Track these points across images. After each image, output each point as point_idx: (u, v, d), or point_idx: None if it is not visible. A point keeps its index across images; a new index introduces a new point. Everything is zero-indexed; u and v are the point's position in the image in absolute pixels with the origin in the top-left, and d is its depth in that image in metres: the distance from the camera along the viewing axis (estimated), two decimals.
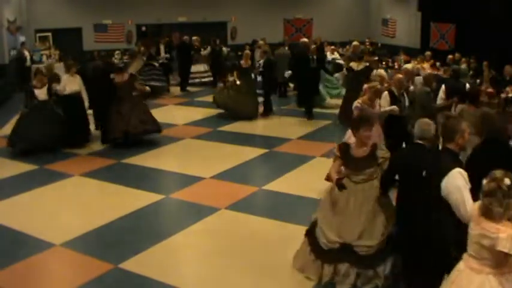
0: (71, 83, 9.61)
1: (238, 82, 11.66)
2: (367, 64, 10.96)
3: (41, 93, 9.36)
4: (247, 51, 12.86)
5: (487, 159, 4.17)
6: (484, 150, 4.58)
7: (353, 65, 11.10)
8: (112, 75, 9.99)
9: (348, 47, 14.81)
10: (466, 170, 3.77)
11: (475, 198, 3.54)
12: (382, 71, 9.39)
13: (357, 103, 7.17)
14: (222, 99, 11.92)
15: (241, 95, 11.68)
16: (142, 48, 14.81)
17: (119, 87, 9.88)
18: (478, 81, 11.42)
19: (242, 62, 12.12)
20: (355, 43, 12.42)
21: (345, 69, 12.03)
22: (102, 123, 10.08)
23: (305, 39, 13.46)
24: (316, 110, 12.43)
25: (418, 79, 9.25)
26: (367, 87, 7.40)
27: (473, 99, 7.07)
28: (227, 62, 16.48)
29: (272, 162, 8.89)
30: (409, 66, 8.50)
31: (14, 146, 9.29)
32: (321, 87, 12.59)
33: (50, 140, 9.29)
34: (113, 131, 9.63)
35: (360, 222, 4.66)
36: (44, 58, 16.10)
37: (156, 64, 14.88)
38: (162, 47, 15.17)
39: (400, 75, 7.86)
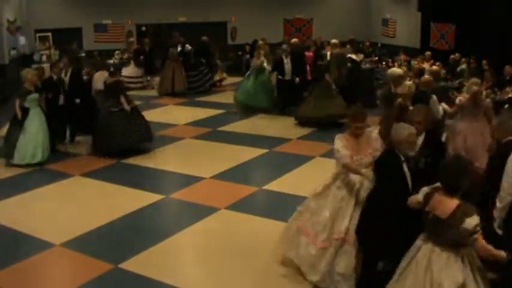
0: None
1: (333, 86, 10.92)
2: (363, 55, 13.29)
3: None
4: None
5: None
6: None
7: (354, 56, 12.45)
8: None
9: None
10: None
11: None
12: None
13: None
14: (310, 113, 10.83)
15: (332, 98, 10.85)
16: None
17: None
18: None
19: (320, 62, 11.74)
20: (333, 41, 13.03)
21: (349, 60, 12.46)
22: None
23: (295, 39, 13.95)
24: None
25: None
26: (477, 90, 6.95)
27: None
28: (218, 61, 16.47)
29: (272, 162, 8.89)
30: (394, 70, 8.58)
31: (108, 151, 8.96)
32: None
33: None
34: None
35: None
36: (44, 58, 16.10)
37: (204, 60, 15.04)
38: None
39: (428, 76, 7.80)
